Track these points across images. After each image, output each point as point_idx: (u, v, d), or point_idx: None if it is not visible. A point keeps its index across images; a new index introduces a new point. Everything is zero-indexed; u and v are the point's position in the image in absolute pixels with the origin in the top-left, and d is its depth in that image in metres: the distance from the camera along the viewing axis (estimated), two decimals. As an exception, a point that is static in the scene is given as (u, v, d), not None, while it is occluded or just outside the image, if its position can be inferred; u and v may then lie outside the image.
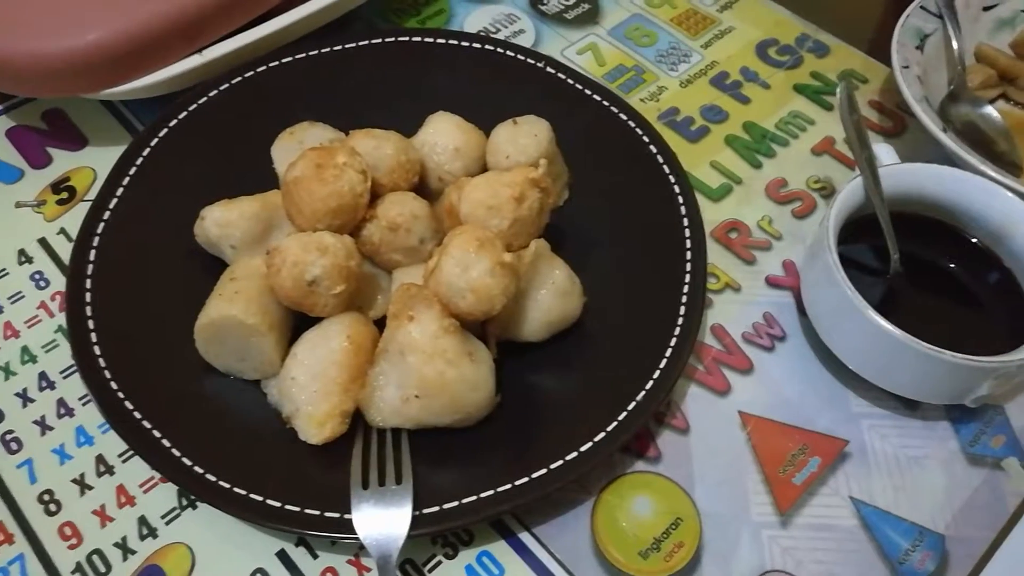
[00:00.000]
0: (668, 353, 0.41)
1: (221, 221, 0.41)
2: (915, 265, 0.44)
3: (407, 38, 0.53)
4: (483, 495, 0.36)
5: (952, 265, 0.45)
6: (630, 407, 0.39)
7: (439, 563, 0.38)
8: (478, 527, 0.39)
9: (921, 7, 0.53)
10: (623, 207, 0.47)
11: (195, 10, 0.48)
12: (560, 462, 0.37)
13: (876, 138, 0.54)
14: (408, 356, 0.37)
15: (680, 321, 0.42)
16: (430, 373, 0.36)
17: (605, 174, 0.48)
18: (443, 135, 0.45)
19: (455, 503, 0.36)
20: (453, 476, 0.37)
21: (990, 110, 0.52)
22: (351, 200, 0.40)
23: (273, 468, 0.38)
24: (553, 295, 0.40)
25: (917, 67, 0.51)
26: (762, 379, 0.44)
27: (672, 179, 0.47)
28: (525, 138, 0.44)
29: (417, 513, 0.36)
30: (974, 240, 0.45)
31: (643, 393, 0.39)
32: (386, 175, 0.43)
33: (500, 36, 0.58)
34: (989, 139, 0.51)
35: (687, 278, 0.43)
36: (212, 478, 0.36)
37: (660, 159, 0.48)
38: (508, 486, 0.37)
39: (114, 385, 0.38)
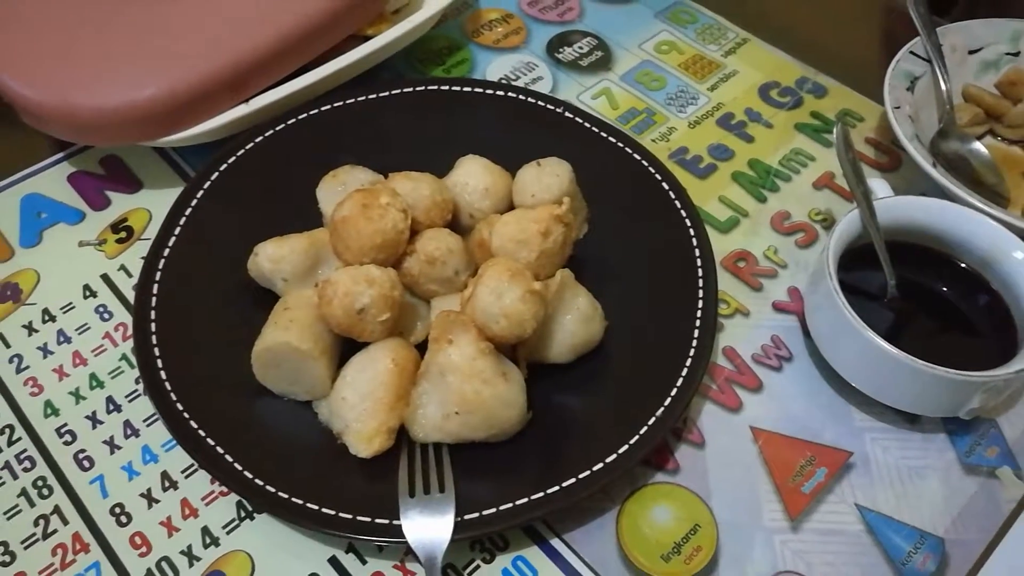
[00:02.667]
0: (684, 373, 0.44)
1: (273, 256, 0.45)
2: (910, 290, 0.48)
3: (435, 87, 0.57)
4: (517, 503, 0.40)
5: (944, 289, 0.48)
6: (649, 423, 0.42)
7: (477, 567, 0.41)
8: (512, 534, 0.42)
9: (911, 52, 0.58)
10: (638, 239, 0.51)
11: (242, 66, 0.53)
12: (587, 472, 0.41)
13: (872, 173, 0.58)
14: (448, 376, 0.40)
15: (694, 343, 0.45)
16: (468, 391, 0.40)
17: (621, 209, 0.52)
18: (473, 176, 0.49)
19: (492, 510, 0.40)
20: (490, 486, 0.41)
21: (978, 146, 0.56)
22: (394, 236, 0.44)
23: (326, 480, 0.41)
24: (577, 320, 0.44)
25: (908, 107, 0.55)
26: (771, 396, 0.48)
27: (683, 213, 0.51)
28: (548, 178, 0.48)
29: (459, 519, 0.39)
30: (964, 265, 0.48)
31: (661, 410, 0.43)
32: (423, 213, 0.47)
33: (520, 83, 0.63)
34: (977, 172, 0.55)
35: (700, 304, 0.47)
36: (271, 489, 0.40)
37: (672, 195, 0.52)
38: (540, 494, 0.40)
39: (179, 406, 0.42)
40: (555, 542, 0.42)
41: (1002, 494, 0.44)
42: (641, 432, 0.42)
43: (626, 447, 0.42)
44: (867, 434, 0.46)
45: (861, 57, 0.66)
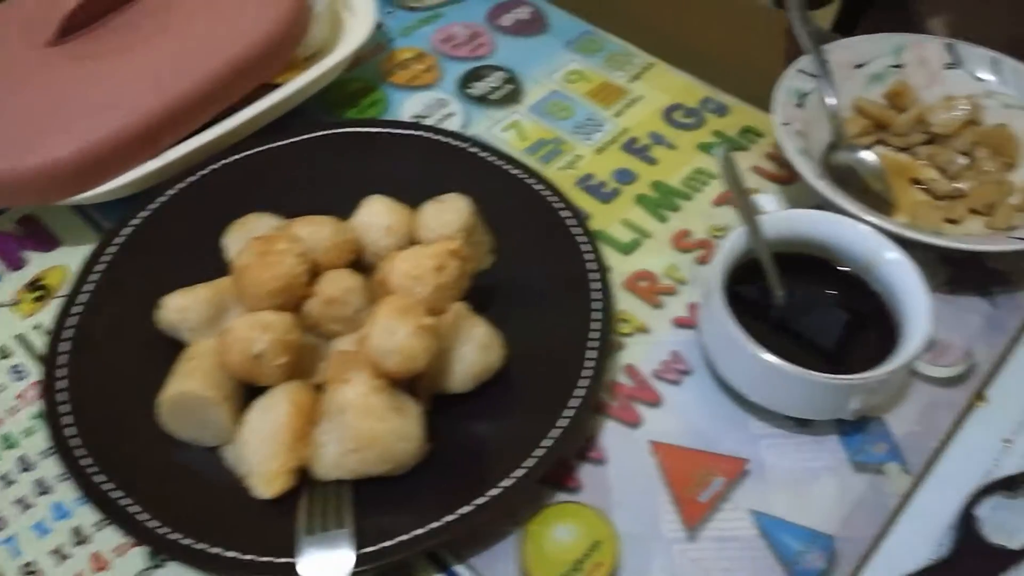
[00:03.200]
0: (578, 397, 0.46)
1: (178, 307, 0.47)
2: (799, 299, 0.50)
3: (345, 129, 0.59)
4: (416, 532, 0.41)
5: (831, 295, 0.50)
6: (546, 446, 0.44)
7: (384, 597, 0.43)
8: (418, 563, 0.44)
9: (799, 70, 0.60)
10: (541, 267, 0.53)
11: (154, 121, 0.55)
12: (484, 499, 0.42)
13: (771, 186, 0.60)
14: (344, 414, 0.42)
15: (588, 368, 0.47)
16: (363, 428, 0.41)
17: (525, 239, 0.54)
18: (375, 216, 0.51)
19: (392, 541, 0.41)
20: (392, 517, 0.42)
21: (865, 155, 0.58)
22: (291, 281, 0.46)
23: (233, 524, 0.43)
24: (475, 350, 0.46)
25: (798, 123, 0.58)
26: (671, 410, 0.50)
27: (582, 240, 0.53)
28: (448, 214, 0.50)
29: (359, 553, 0.41)
30: (847, 271, 0.50)
31: (557, 432, 0.45)
32: (324, 255, 0.49)
33: (431, 120, 0.65)
34: (865, 181, 0.58)
35: (595, 328, 0.49)
36: (177, 537, 0.41)
37: (571, 223, 0.54)
38: (438, 523, 0.42)
39: (87, 462, 0.44)
40: (459, 568, 0.44)
41: (888, 489, 0.46)
42: (537, 455, 0.44)
43: (523, 471, 0.43)
44: (763, 440, 0.48)
45: (763, 75, 0.68)
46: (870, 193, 0.57)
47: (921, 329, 0.45)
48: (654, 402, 0.50)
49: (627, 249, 0.57)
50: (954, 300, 0.54)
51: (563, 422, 0.45)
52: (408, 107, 0.66)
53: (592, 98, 0.67)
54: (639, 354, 0.52)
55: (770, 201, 0.52)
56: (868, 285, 0.50)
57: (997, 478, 0.45)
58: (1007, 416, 0.49)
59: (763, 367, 0.45)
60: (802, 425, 0.49)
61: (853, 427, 0.49)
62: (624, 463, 0.47)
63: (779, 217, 0.50)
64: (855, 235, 0.49)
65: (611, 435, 0.49)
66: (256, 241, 0.46)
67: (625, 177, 0.61)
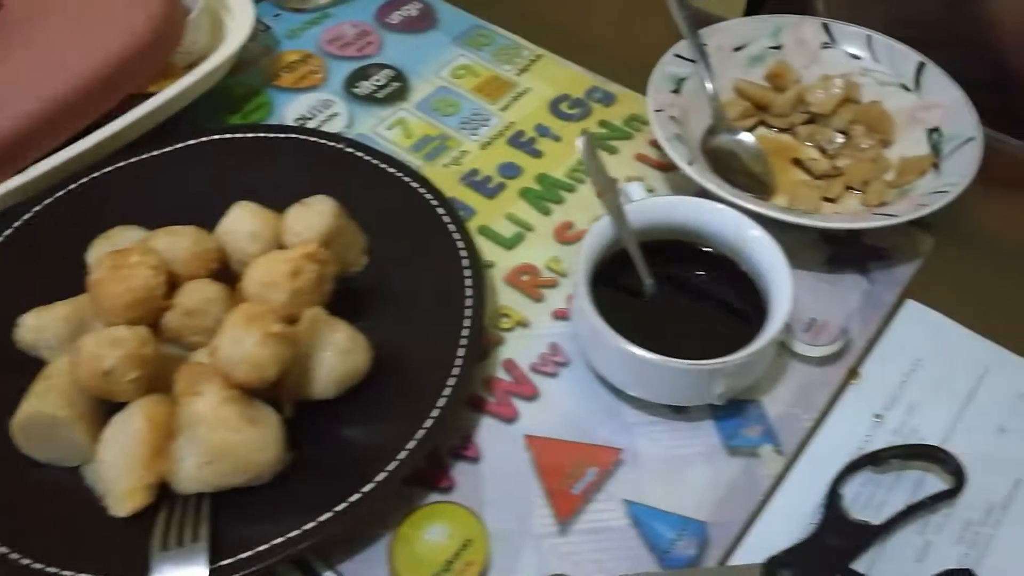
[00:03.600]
0: (445, 395, 0.46)
1: (35, 326, 0.46)
2: (670, 286, 0.50)
3: (217, 136, 0.58)
4: (275, 542, 0.41)
5: (701, 280, 0.51)
6: (409, 448, 0.44)
7: (250, 609, 0.42)
8: (285, 572, 0.43)
9: (676, 55, 0.60)
10: (416, 266, 0.52)
11: (10, 138, 0.54)
12: (345, 504, 0.42)
13: (655, 173, 0.60)
14: (197, 427, 0.41)
15: (456, 367, 0.47)
16: (215, 440, 0.41)
17: (400, 238, 0.53)
18: (239, 222, 0.50)
19: (249, 552, 0.40)
20: (252, 528, 0.42)
21: (744, 137, 0.59)
22: (144, 294, 0.45)
23: (93, 545, 0.42)
24: (336, 355, 0.45)
25: (673, 108, 0.57)
26: (547, 403, 0.49)
27: (458, 237, 0.52)
28: (312, 216, 0.49)
29: (215, 566, 0.40)
30: (717, 254, 0.50)
31: (421, 433, 0.44)
32: (184, 266, 0.47)
33: (315, 121, 0.64)
34: (745, 163, 0.58)
35: (466, 326, 0.48)
36: (25, 562, 0.40)
37: (447, 221, 0.53)
38: (297, 531, 0.41)
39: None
40: (328, 575, 0.43)
41: (762, 471, 0.46)
42: (399, 459, 0.43)
43: (384, 475, 0.43)
44: (637, 428, 0.48)
45: (650, 63, 0.68)
46: (751, 175, 0.58)
47: (782, 310, 0.45)
48: (531, 396, 0.50)
49: (510, 244, 0.57)
50: (834, 279, 0.54)
51: (428, 423, 0.44)
52: (293, 109, 0.65)
53: (479, 93, 0.66)
54: (518, 348, 0.52)
55: (638, 189, 0.52)
56: (738, 266, 0.50)
57: (861, 455, 0.45)
58: (879, 392, 0.50)
59: (625, 356, 0.44)
60: (677, 412, 0.49)
61: (728, 411, 0.49)
62: (498, 459, 0.47)
63: (646, 205, 0.50)
64: (720, 217, 0.49)
65: (487, 432, 0.48)
66: (109, 255, 0.45)
67: (510, 171, 0.61)
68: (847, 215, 0.54)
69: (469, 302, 0.49)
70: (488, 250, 0.56)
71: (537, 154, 0.62)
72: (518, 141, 0.63)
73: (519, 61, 0.69)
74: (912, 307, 0.53)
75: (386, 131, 0.64)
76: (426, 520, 0.45)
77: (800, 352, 0.51)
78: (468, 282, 0.50)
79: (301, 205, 0.50)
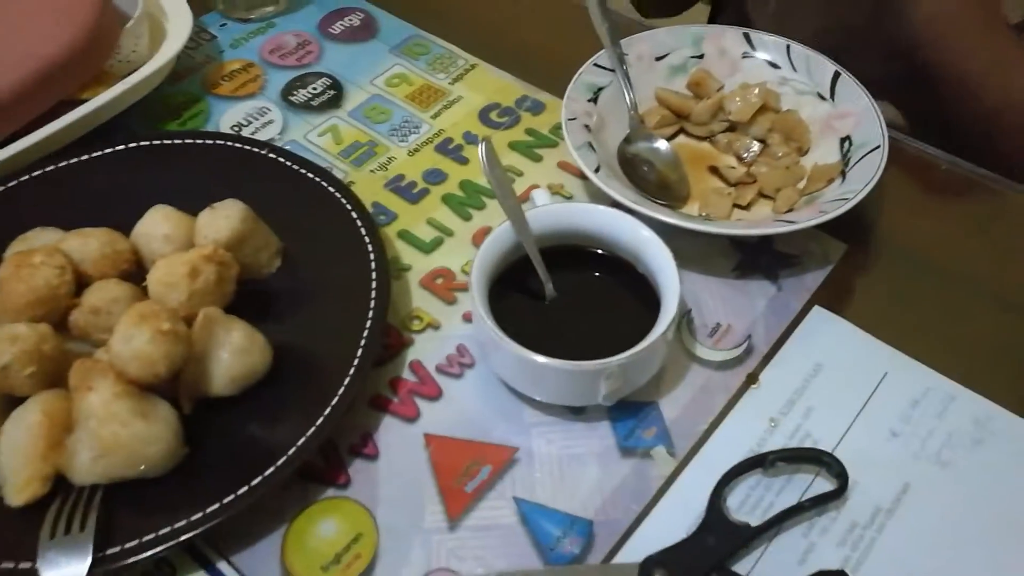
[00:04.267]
0: (340, 393, 0.47)
1: (-57, 324, 0.47)
2: (570, 289, 0.51)
3: (143, 142, 0.60)
4: (160, 531, 0.42)
5: (600, 282, 0.51)
6: (299, 443, 0.45)
7: (142, 599, 0.43)
8: (181, 561, 0.44)
9: (595, 64, 0.61)
10: (326, 270, 0.53)
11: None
12: (232, 496, 0.43)
13: (576, 181, 0.61)
14: (90, 421, 0.42)
15: (353, 368, 0.48)
16: (106, 434, 0.42)
17: (314, 242, 0.54)
18: (153, 225, 0.51)
19: (135, 541, 0.42)
20: (143, 518, 0.43)
21: (660, 144, 0.60)
22: (47, 293, 0.46)
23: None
24: (233, 353, 0.46)
25: (588, 117, 0.59)
26: (449, 403, 0.50)
27: (368, 242, 0.54)
28: (220, 220, 0.51)
29: (101, 555, 0.41)
30: (616, 258, 0.51)
31: (313, 429, 0.45)
32: (93, 266, 0.49)
33: (249, 128, 0.66)
34: (661, 171, 0.59)
35: (367, 328, 0.49)
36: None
37: (360, 224, 0.55)
38: (183, 522, 0.42)
39: None
40: (222, 564, 0.44)
41: (653, 472, 0.47)
42: (289, 454, 0.44)
43: (273, 468, 0.44)
44: (534, 429, 0.49)
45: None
46: (665, 182, 0.59)
47: (669, 312, 0.46)
48: (434, 396, 0.51)
49: (428, 248, 0.58)
50: (742, 285, 0.55)
51: (319, 421, 0.46)
52: (229, 117, 0.67)
53: (411, 101, 0.68)
54: (427, 349, 0.53)
55: (543, 195, 0.53)
56: (635, 268, 0.51)
57: (746, 458, 0.46)
58: (777, 397, 0.50)
59: (514, 358, 0.45)
60: (575, 413, 0.49)
61: (625, 413, 0.49)
62: (396, 457, 0.48)
63: (547, 211, 0.51)
64: (616, 222, 0.50)
65: (387, 430, 0.49)
66: (15, 255, 0.47)
67: (435, 177, 0.62)
68: (751, 222, 0.55)
69: (372, 306, 0.50)
70: (406, 254, 0.58)
71: (463, 161, 0.63)
72: (446, 148, 0.64)
73: (453, 70, 0.70)
74: (818, 313, 0.54)
75: (317, 137, 0.65)
76: (319, 515, 0.46)
77: (701, 356, 0.52)
78: (373, 287, 0.51)
79: (211, 209, 0.51)
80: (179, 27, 0.67)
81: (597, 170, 0.54)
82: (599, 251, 0.52)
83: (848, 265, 0.56)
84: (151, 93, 0.65)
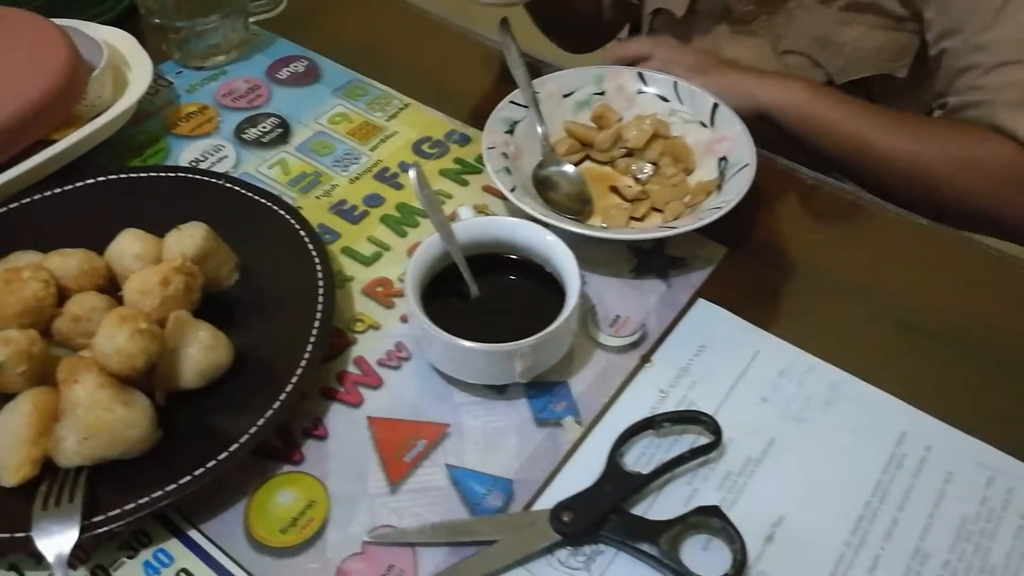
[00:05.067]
0: (293, 382, 0.55)
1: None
2: (491, 289, 0.59)
3: (115, 176, 0.67)
4: (139, 501, 0.49)
5: (516, 283, 0.61)
6: (257, 426, 0.52)
7: (123, 563, 0.50)
8: (155, 530, 0.51)
9: (511, 101, 0.71)
10: (279, 281, 0.61)
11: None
12: (200, 470, 0.50)
13: (497, 201, 0.70)
14: (77, 409, 0.49)
15: (303, 363, 0.56)
16: (92, 419, 0.49)
17: (268, 258, 0.63)
18: (126, 245, 0.59)
19: (117, 510, 0.48)
20: (124, 493, 0.50)
21: (567, 168, 0.69)
22: (35, 303, 0.53)
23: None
24: (200, 350, 0.54)
25: (506, 146, 0.68)
26: (389, 391, 0.58)
27: (315, 256, 0.62)
28: (187, 238, 0.58)
29: (87, 522, 0.48)
30: (529, 262, 0.60)
31: (270, 413, 0.53)
32: (73, 281, 0.56)
33: (207, 163, 0.74)
34: (568, 190, 0.69)
35: (315, 330, 0.57)
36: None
37: (308, 242, 0.63)
38: (159, 492, 0.49)
39: None
40: (192, 533, 0.51)
41: (563, 438, 0.56)
42: (249, 432, 0.52)
43: (236, 446, 0.51)
44: (463, 408, 0.57)
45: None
46: (573, 199, 0.68)
47: (570, 303, 0.55)
48: (376, 385, 0.59)
49: (369, 261, 0.66)
50: (638, 283, 0.65)
51: (274, 406, 0.53)
52: (188, 153, 0.75)
53: (352, 136, 0.76)
54: (369, 347, 0.61)
55: (467, 211, 0.62)
56: (544, 269, 0.60)
57: (639, 420, 0.55)
58: (666, 373, 0.59)
59: (443, 344, 0.54)
60: (498, 392, 0.58)
61: (540, 391, 0.58)
62: (343, 437, 0.56)
63: (470, 224, 0.60)
64: (528, 232, 0.60)
65: (335, 415, 0.57)
66: (3, 271, 0.54)
67: (374, 201, 0.71)
68: (641, 229, 0.65)
69: (319, 311, 0.58)
70: (350, 267, 0.66)
71: (398, 186, 0.72)
72: (383, 176, 0.73)
73: (389, 109, 0.79)
74: (702, 305, 0.64)
75: (267, 170, 0.73)
76: (278, 487, 0.53)
77: (604, 343, 0.61)
78: (320, 295, 0.59)
79: (177, 230, 0.59)
80: (140, 75, 0.75)
81: (513, 190, 0.64)
82: (515, 256, 0.61)
83: (728, 265, 0.66)
84: (117, 133, 0.73)
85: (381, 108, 0.79)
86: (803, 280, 0.66)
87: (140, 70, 0.76)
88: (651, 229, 0.63)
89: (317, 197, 0.71)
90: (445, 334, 0.53)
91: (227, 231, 0.62)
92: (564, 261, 0.57)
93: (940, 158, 0.72)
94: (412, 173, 0.59)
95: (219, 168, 0.73)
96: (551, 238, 0.58)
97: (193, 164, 0.74)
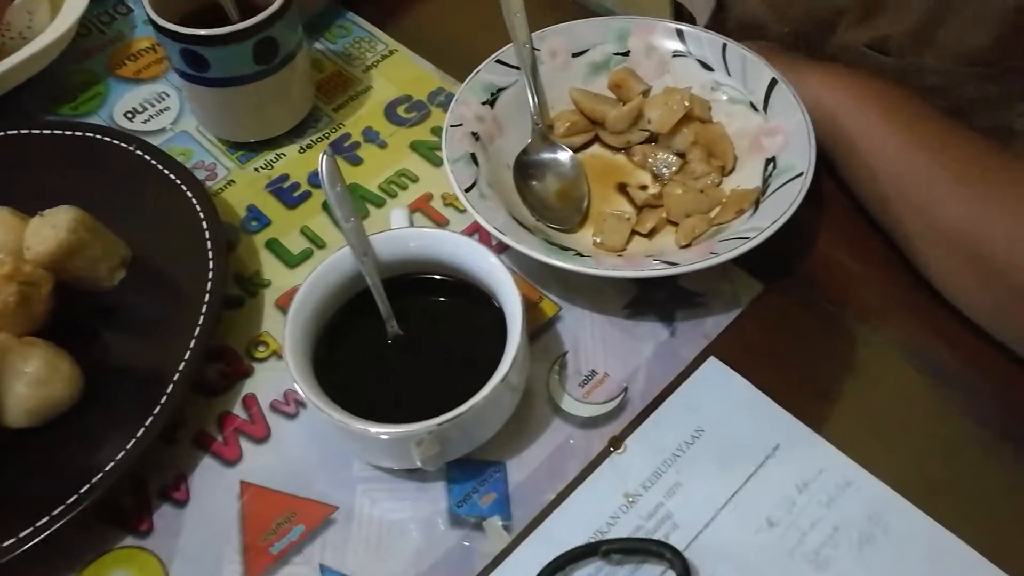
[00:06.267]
0: (149, 421, 0.43)
1: None
2: (416, 325, 0.45)
3: (15, 131, 0.56)
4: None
5: (453, 316, 0.46)
6: (93, 480, 0.41)
7: (-93, 647, 0.40)
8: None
9: (497, 61, 0.54)
10: (167, 285, 0.49)
11: None
12: (14, 539, 0.39)
13: (474, 190, 0.55)
14: None
15: (163, 401, 0.43)
16: None
17: (162, 253, 0.50)
18: (-17, 232, 0.48)
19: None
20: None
21: (562, 155, 0.52)
22: None
23: None
24: (28, 385, 0.42)
25: (478, 122, 0.52)
26: (275, 447, 0.45)
27: (211, 257, 0.49)
28: (46, 229, 0.46)
29: None
30: (473, 288, 0.45)
31: (108, 469, 0.41)
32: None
33: (143, 115, 0.61)
34: (560, 187, 0.52)
35: (186, 358, 0.45)
36: None
37: (208, 236, 0.50)
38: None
39: None
40: (0, 615, 0.41)
41: (482, 548, 0.41)
42: (80, 492, 0.41)
43: (62, 506, 0.40)
44: (361, 485, 0.44)
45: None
46: (566, 200, 0.51)
47: (504, 364, 0.40)
48: (261, 438, 0.46)
49: (295, 261, 0.53)
50: (630, 325, 0.48)
51: (122, 455, 0.42)
52: (124, 102, 0.62)
53: (317, 91, 0.61)
54: (266, 381, 0.48)
55: (400, 217, 0.47)
56: (492, 301, 0.44)
57: (577, 548, 0.40)
58: (640, 467, 0.43)
59: (323, 417, 0.40)
60: (410, 470, 0.44)
61: (465, 473, 0.44)
62: (206, 504, 0.44)
63: (394, 236, 0.45)
64: (469, 250, 0.44)
65: (204, 473, 0.45)
66: None
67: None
68: (622, 260, 0.47)
69: (196, 333, 0.46)
70: (270, 267, 0.52)
71: (357, 161, 0.57)
72: (341, 146, 0.58)
73: (371, 55, 0.63)
74: (712, 366, 0.46)
75: (209, 129, 0.60)
76: (111, 566, 0.42)
77: (566, 409, 0.45)
78: (203, 311, 0.46)
79: (40, 217, 0.47)
80: (76, 2, 0.63)
81: (470, 188, 0.48)
82: (455, 279, 0.46)
83: (758, 309, 0.48)
84: (53, 69, 0.62)
85: (361, 55, 0.64)
86: (861, 344, 0.48)
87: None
88: (633, 264, 0.46)
89: (256, 169, 0.57)
90: (323, 405, 0.39)
91: (123, 213, 0.51)
92: (508, 297, 0.42)
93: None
94: (321, 162, 0.44)
95: (157, 123, 0.61)
96: (494, 262, 0.43)
97: (128, 116, 0.61)
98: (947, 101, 0.50)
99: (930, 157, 0.46)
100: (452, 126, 0.51)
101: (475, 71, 0.53)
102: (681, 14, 0.64)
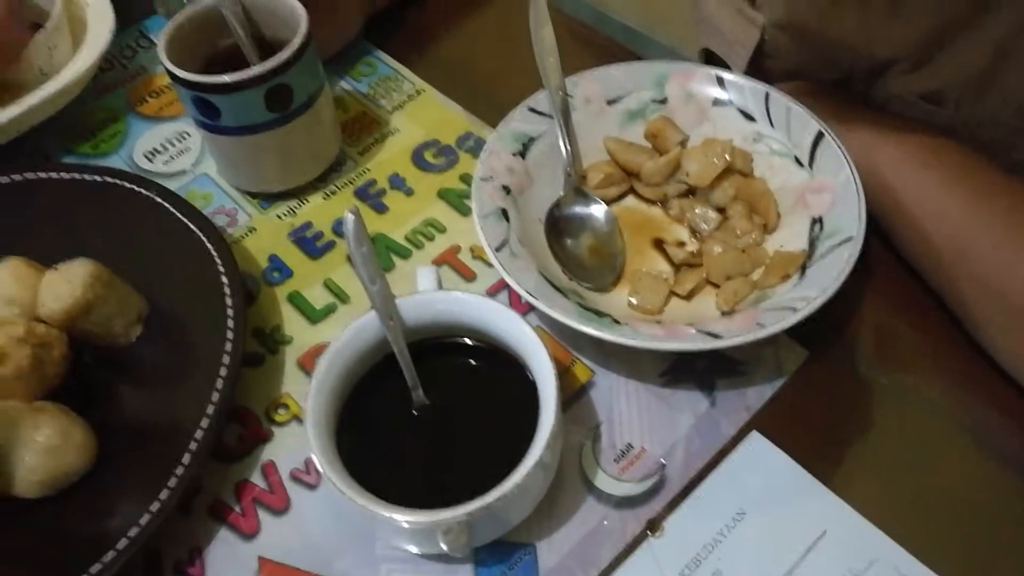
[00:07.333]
0: (165, 493, 0.41)
1: None
2: (444, 395, 0.42)
3: (33, 174, 0.54)
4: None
5: (483, 386, 0.43)
6: (105, 558, 0.39)
7: None
8: None
9: (529, 109, 0.52)
10: (184, 344, 0.47)
11: None
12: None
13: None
14: None
15: (180, 467, 0.41)
16: None
17: (180, 307, 0.48)
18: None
19: None
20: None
21: (596, 210, 0.50)
22: None
23: None
24: (37, 454, 0.40)
25: (509, 175, 0.49)
26: (296, 519, 0.43)
27: (231, 316, 0.47)
28: (60, 285, 0.45)
29: None
30: (506, 356, 0.42)
31: (123, 545, 0.39)
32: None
33: (164, 156, 0.59)
34: (593, 242, 0.50)
35: (202, 427, 0.43)
36: None
37: (228, 292, 0.48)
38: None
39: None
40: None
41: (508, 638, 0.39)
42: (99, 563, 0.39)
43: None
44: (385, 564, 0.42)
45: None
46: (599, 256, 0.49)
47: (535, 450, 0.37)
48: (280, 509, 0.44)
49: (318, 316, 0.51)
50: (668, 394, 0.46)
51: (138, 529, 0.40)
52: (145, 141, 0.60)
53: (343, 132, 0.60)
54: (286, 447, 0.46)
55: (427, 277, 0.44)
56: (527, 373, 0.42)
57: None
58: (679, 553, 0.41)
59: (344, 499, 0.38)
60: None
61: (494, 556, 0.41)
62: (220, 584, 0.42)
63: (421, 300, 0.43)
64: (501, 317, 0.41)
65: (220, 546, 0.43)
66: None
67: (346, 228, 0.55)
68: (659, 332, 0.44)
69: (215, 399, 0.44)
70: (292, 322, 0.50)
71: (383, 209, 0.55)
72: (366, 193, 0.56)
73: (397, 96, 0.61)
74: (755, 441, 0.44)
75: (230, 172, 0.58)
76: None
77: (601, 487, 0.43)
78: (222, 373, 0.44)
79: (54, 271, 0.45)
80: (98, 37, 0.61)
81: (500, 247, 0.45)
82: (487, 346, 0.43)
83: (804, 380, 0.46)
84: (72, 105, 0.60)
85: (387, 94, 0.62)
86: (916, 419, 0.45)
87: (101, 27, 0.62)
88: (673, 336, 0.43)
89: (279, 216, 0.56)
90: (345, 486, 0.37)
91: (139, 264, 0.49)
92: (541, 367, 0.39)
93: None
94: (348, 220, 0.42)
95: (178, 164, 0.59)
96: (526, 330, 0.40)
97: (149, 157, 0.60)
98: (1007, 158, 0.47)
99: (997, 223, 0.43)
100: (483, 179, 0.48)
101: (506, 119, 0.51)
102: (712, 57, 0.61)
